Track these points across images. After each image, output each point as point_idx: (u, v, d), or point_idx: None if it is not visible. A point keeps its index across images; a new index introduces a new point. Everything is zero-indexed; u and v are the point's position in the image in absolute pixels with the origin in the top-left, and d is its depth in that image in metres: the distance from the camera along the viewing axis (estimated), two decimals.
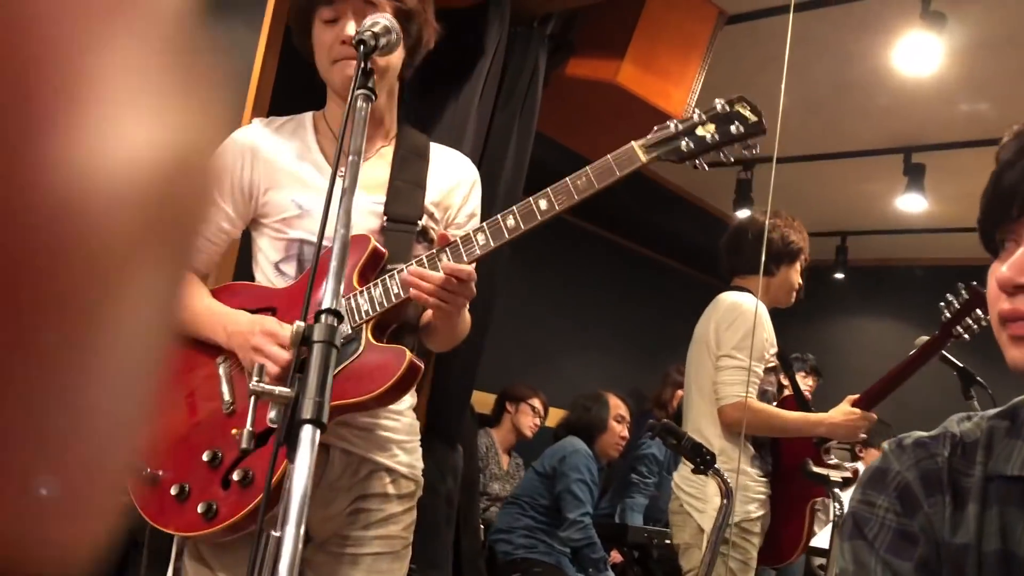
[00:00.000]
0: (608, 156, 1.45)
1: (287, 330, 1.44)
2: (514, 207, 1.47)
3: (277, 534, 0.93)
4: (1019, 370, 0.83)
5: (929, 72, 3.87)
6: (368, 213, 1.61)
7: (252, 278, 1.70)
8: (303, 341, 1.02)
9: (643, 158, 1.45)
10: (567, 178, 1.47)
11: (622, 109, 3.27)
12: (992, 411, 0.92)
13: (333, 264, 1.09)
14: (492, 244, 1.48)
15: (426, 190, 1.65)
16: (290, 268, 1.63)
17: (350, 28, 1.55)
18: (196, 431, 1.55)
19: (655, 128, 1.49)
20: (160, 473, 1.53)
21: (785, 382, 2.91)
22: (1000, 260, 0.86)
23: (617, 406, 4.22)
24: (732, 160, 1.50)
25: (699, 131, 1.46)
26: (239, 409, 1.53)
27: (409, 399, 1.65)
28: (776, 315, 2.87)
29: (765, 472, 2.73)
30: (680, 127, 1.46)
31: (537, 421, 4.62)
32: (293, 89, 3.20)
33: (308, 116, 1.74)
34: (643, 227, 6.24)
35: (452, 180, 1.72)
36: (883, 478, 0.90)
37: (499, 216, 1.48)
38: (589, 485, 3.94)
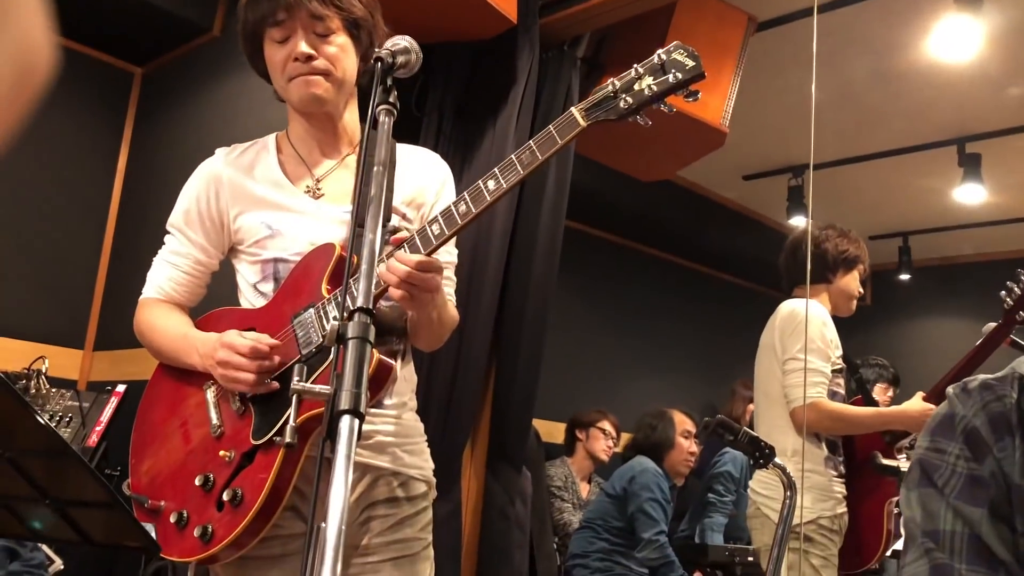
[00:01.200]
0: (549, 125, 1.43)
1: (246, 339, 1.50)
2: (464, 192, 1.46)
3: (324, 525, 0.96)
4: None
5: (969, 58, 3.81)
6: (337, 223, 1.63)
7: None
8: (338, 339, 1.06)
9: (582, 122, 1.42)
10: (512, 154, 1.45)
11: (660, 123, 3.28)
12: None
13: (364, 267, 1.14)
14: (447, 231, 1.47)
15: (394, 191, 1.63)
16: (267, 287, 1.66)
17: (301, 45, 1.59)
18: (190, 458, 1.58)
19: (593, 90, 1.45)
20: (161, 504, 1.57)
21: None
22: None
23: (683, 422, 4.18)
24: (673, 111, 1.44)
25: (636, 86, 1.40)
26: (227, 431, 1.56)
27: (397, 399, 1.63)
28: (844, 323, 2.90)
29: (839, 472, 2.70)
30: (617, 84, 1.42)
31: (610, 443, 4.60)
32: None
33: (271, 138, 1.77)
34: (697, 243, 6.21)
35: (422, 178, 1.71)
36: (950, 423, 0.87)
37: (451, 203, 1.47)
38: (662, 503, 3.90)
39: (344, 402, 1.00)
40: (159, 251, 1.78)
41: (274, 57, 1.63)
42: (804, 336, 2.66)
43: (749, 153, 5.26)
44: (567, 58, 3.28)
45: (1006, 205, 5.26)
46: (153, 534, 1.48)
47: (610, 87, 1.42)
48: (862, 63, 4.07)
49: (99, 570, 3.30)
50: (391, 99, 1.35)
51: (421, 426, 1.70)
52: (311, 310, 1.54)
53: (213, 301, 1.80)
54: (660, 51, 1.41)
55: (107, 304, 3.96)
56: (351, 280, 1.43)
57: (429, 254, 1.47)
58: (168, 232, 1.77)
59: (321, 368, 1.49)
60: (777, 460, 2.05)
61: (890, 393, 4.78)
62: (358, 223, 1.20)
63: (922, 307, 6.77)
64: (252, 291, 1.68)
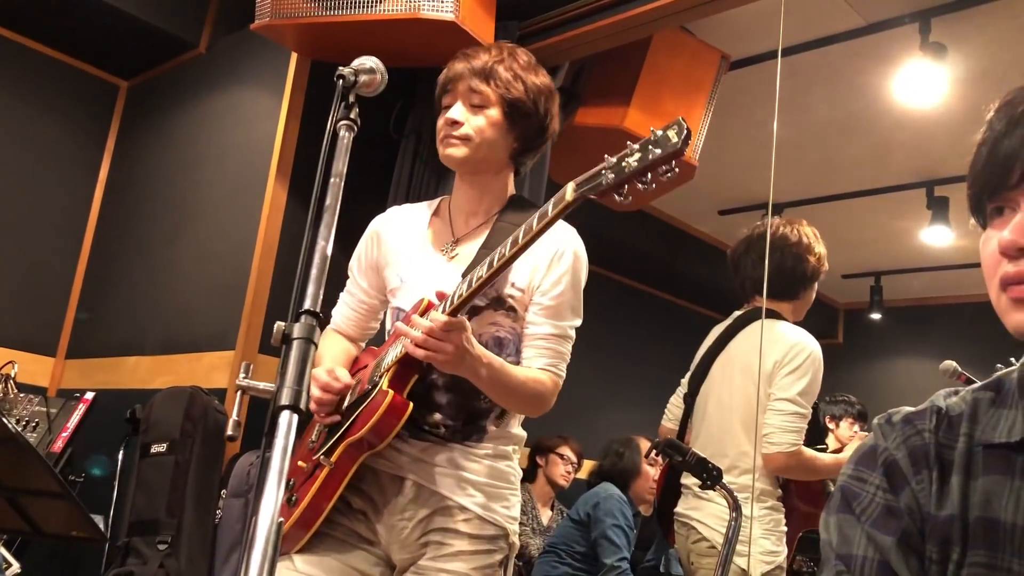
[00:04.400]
0: (551, 199, 1.48)
1: (325, 376, 1.72)
2: (486, 259, 1.57)
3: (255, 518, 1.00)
4: (1021, 335, 0.83)
5: (934, 104, 3.91)
6: (447, 279, 1.72)
7: None
8: (284, 339, 1.11)
9: (568, 196, 1.44)
10: (520, 229, 1.52)
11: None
12: (977, 384, 0.93)
13: (313, 272, 1.19)
14: (464, 293, 1.58)
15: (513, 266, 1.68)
16: None
17: (452, 111, 1.76)
18: (296, 459, 1.79)
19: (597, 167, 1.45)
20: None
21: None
22: (995, 227, 0.88)
23: (647, 450, 4.22)
24: (652, 187, 1.37)
25: (625, 162, 1.38)
26: (316, 445, 1.76)
27: (492, 446, 1.75)
28: None
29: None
30: (612, 162, 1.40)
31: (569, 469, 4.62)
32: (313, 151, 3.37)
33: (438, 199, 1.95)
34: (670, 275, 6.28)
35: (544, 252, 1.74)
36: (872, 454, 0.91)
37: (475, 267, 1.60)
38: (625, 530, 3.92)
39: (284, 398, 1.05)
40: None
41: (438, 120, 1.80)
42: (808, 379, 2.48)
43: (724, 188, 5.36)
44: None
45: (972, 249, 5.33)
46: None
47: (604, 163, 1.41)
48: (831, 104, 4.17)
49: (58, 575, 3.30)
50: (352, 115, 1.41)
51: (513, 477, 1.79)
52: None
53: None
54: (660, 128, 1.37)
55: (81, 313, 3.99)
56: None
57: (452, 313, 1.58)
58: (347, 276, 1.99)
59: (361, 406, 1.66)
60: (724, 481, 2.08)
61: (855, 428, 4.83)
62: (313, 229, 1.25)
63: (892, 347, 6.86)
64: (387, 336, 1.86)
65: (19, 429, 2.99)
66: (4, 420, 1.21)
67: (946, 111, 3.99)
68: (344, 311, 1.97)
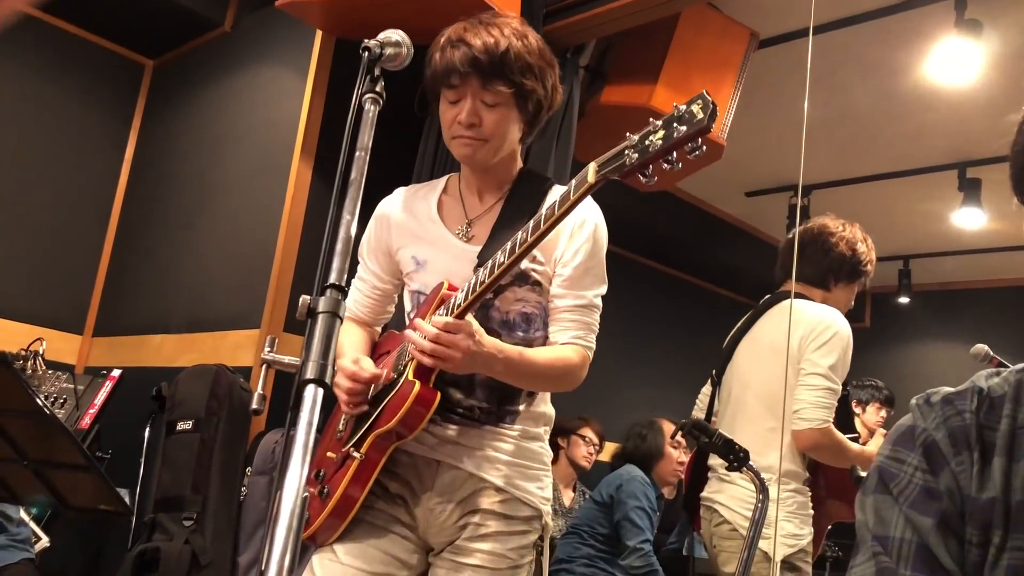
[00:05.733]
0: (572, 180, 1.44)
1: (351, 367, 1.66)
2: (508, 242, 1.53)
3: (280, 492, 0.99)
4: None
5: (969, 83, 3.83)
6: (465, 261, 1.71)
7: None
8: (309, 313, 1.10)
9: (591, 178, 1.40)
10: (540, 213, 1.49)
11: None
12: (1020, 365, 0.90)
13: (338, 246, 1.18)
14: (468, 297, 1.55)
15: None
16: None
17: (467, 112, 1.68)
18: (323, 448, 1.79)
19: (619, 145, 1.39)
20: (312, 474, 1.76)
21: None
22: None
23: (672, 431, 4.20)
24: (679, 166, 1.31)
25: (648, 140, 1.31)
26: (344, 436, 1.74)
27: (521, 426, 1.73)
28: None
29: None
30: (634, 139, 1.34)
31: (591, 450, 4.60)
32: (338, 129, 3.36)
33: (445, 178, 1.90)
34: (694, 257, 6.24)
35: (564, 225, 1.70)
36: (911, 435, 0.89)
37: (497, 252, 1.54)
38: (648, 512, 3.91)
39: (309, 372, 1.04)
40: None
41: (445, 114, 1.73)
42: (837, 354, 2.45)
43: (751, 170, 5.30)
44: (570, 66, 3.31)
45: (1005, 232, 5.27)
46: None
47: (627, 141, 1.35)
48: (863, 83, 4.10)
49: (86, 549, 3.34)
50: (377, 88, 1.39)
51: (545, 457, 1.78)
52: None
53: None
54: (683, 103, 1.31)
55: (108, 291, 4.01)
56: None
57: (459, 316, 1.56)
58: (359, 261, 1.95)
59: (388, 397, 1.64)
60: (751, 463, 2.06)
61: (883, 413, 4.78)
62: (337, 204, 1.24)
63: (920, 330, 6.79)
64: (406, 317, 1.84)
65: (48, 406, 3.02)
66: (31, 392, 1.21)
67: (981, 90, 3.91)
68: (358, 298, 1.93)
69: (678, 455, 4.19)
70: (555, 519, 4.52)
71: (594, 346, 1.74)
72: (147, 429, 3.14)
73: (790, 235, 2.78)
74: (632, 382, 5.90)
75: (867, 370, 5.33)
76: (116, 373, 3.18)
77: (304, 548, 2.26)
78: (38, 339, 3.33)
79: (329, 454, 1.74)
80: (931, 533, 0.83)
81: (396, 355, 1.73)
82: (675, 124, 1.29)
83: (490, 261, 1.55)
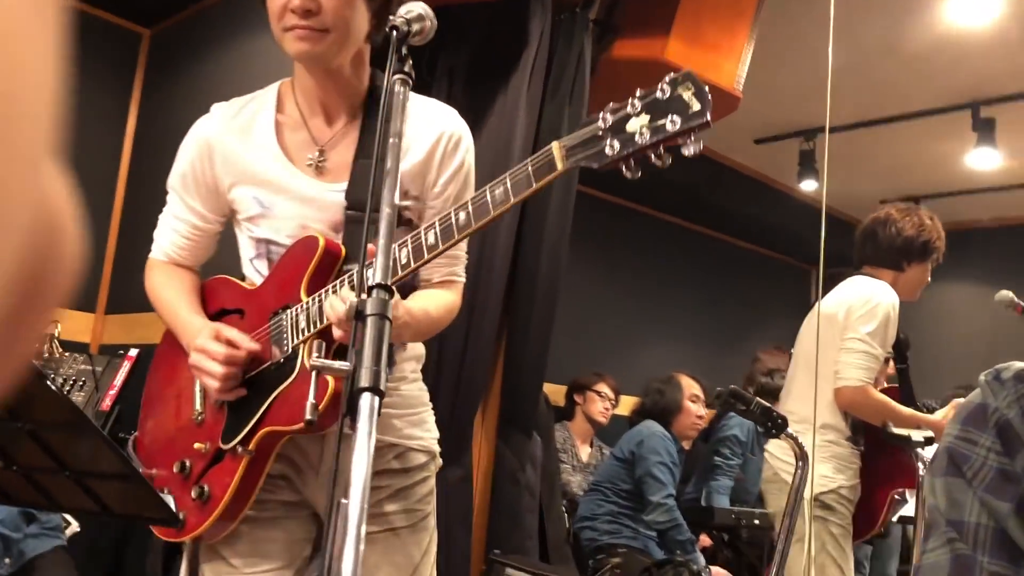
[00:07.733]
0: (528, 161, 1.24)
1: (222, 346, 1.46)
2: (436, 219, 1.33)
3: (346, 501, 0.97)
4: None
5: (986, 23, 3.74)
6: (328, 205, 1.52)
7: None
8: (357, 316, 1.06)
9: (559, 165, 1.20)
10: (487, 188, 1.27)
11: None
12: None
13: (381, 242, 1.13)
14: (413, 263, 1.34)
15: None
16: (262, 265, 1.61)
17: None
18: (177, 436, 1.59)
19: (582, 123, 1.22)
20: (153, 473, 1.58)
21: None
22: None
23: (690, 386, 4.20)
24: (668, 162, 1.17)
25: (630, 126, 1.15)
26: (207, 420, 1.56)
27: (397, 373, 1.58)
28: None
29: (859, 450, 2.74)
30: (609, 120, 1.17)
31: (607, 406, 4.62)
32: None
33: (273, 91, 1.64)
34: (705, 207, 6.18)
35: (426, 143, 1.54)
36: (982, 414, 0.86)
37: (421, 230, 1.34)
38: (670, 467, 3.92)
39: (364, 380, 1.00)
40: (164, 208, 1.73)
41: (272, 3, 1.47)
42: (877, 322, 2.65)
43: (761, 117, 5.20)
44: (579, 21, 3.23)
45: (1020, 170, 5.21)
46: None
47: (600, 123, 1.18)
48: (877, 27, 4.00)
49: (115, 535, 3.35)
50: (406, 68, 1.32)
51: (424, 395, 1.67)
52: (289, 311, 1.49)
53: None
54: (665, 80, 1.14)
55: (118, 267, 3.97)
56: (327, 289, 1.39)
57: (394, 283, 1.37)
58: (168, 192, 1.70)
59: (280, 387, 1.46)
60: (790, 430, 2.05)
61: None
62: (373, 207, 1.17)
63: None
64: (249, 265, 1.64)
65: (67, 390, 3.00)
66: (71, 404, 1.18)
67: (997, 30, 3.82)
68: (173, 239, 1.66)
69: (696, 409, 4.20)
70: (573, 474, 4.54)
71: (464, 276, 1.63)
72: None
73: (866, 221, 2.96)
74: (645, 335, 5.89)
75: None
76: (133, 353, 3.15)
77: (174, 546, 2.09)
78: (52, 320, 3.30)
79: (197, 445, 1.53)
80: (1009, 518, 0.80)
81: (272, 328, 1.51)
82: (669, 112, 1.13)
83: (427, 238, 1.32)
